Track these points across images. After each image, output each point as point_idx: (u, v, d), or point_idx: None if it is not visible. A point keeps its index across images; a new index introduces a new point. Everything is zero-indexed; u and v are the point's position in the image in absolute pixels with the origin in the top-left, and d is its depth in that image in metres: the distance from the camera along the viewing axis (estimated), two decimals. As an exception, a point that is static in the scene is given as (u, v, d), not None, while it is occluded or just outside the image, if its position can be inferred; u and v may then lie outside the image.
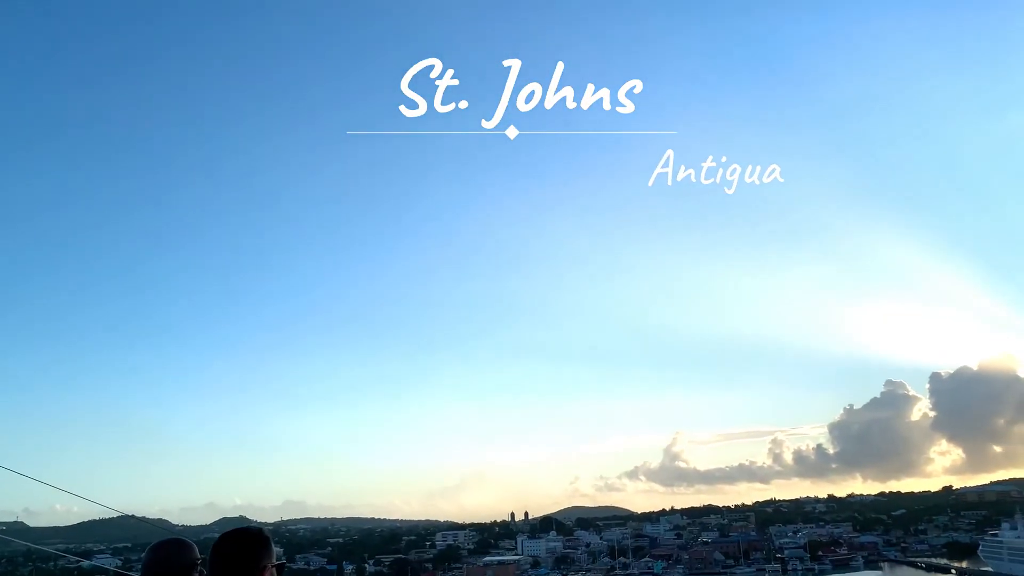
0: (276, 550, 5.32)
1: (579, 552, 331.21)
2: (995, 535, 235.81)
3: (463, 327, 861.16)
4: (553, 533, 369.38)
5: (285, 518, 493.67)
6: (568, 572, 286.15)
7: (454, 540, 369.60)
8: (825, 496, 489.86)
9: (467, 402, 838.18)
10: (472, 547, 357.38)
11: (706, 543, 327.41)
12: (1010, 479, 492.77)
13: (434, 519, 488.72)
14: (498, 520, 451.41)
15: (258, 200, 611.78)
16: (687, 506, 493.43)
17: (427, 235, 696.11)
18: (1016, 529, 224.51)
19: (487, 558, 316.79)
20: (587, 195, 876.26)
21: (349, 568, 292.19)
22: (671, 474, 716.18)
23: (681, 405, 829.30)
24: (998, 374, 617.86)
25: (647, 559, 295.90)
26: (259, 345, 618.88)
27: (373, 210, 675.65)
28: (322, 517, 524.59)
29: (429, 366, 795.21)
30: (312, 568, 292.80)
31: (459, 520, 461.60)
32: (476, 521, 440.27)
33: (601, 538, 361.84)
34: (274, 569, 4.83)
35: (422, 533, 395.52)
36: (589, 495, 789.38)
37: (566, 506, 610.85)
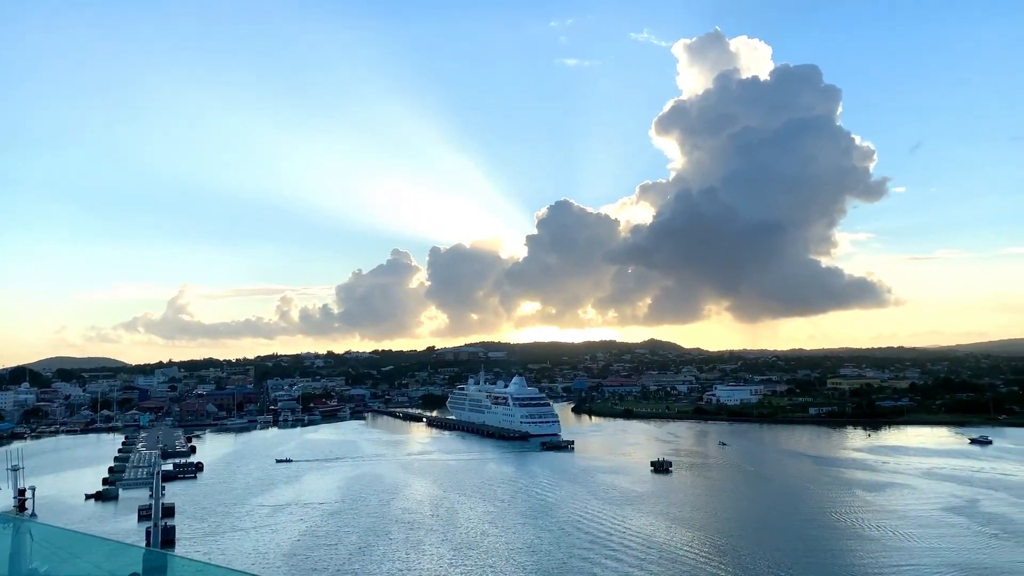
0: None
1: (56, 405, 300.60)
2: (462, 388, 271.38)
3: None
4: (26, 384, 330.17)
5: None
6: (39, 426, 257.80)
7: None
8: (325, 352, 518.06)
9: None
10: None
11: (200, 395, 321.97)
12: (480, 342, 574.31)
13: None
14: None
15: None
16: (187, 359, 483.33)
17: None
18: (478, 384, 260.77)
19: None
20: (118, 8, 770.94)
21: None
22: (174, 327, 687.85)
23: (192, 258, 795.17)
24: (485, 253, 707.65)
25: (134, 411, 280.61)
26: None
27: None
28: None
29: None
30: None
31: None
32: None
33: (85, 390, 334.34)
34: None
35: None
36: (78, 345, 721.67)
37: (48, 356, 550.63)
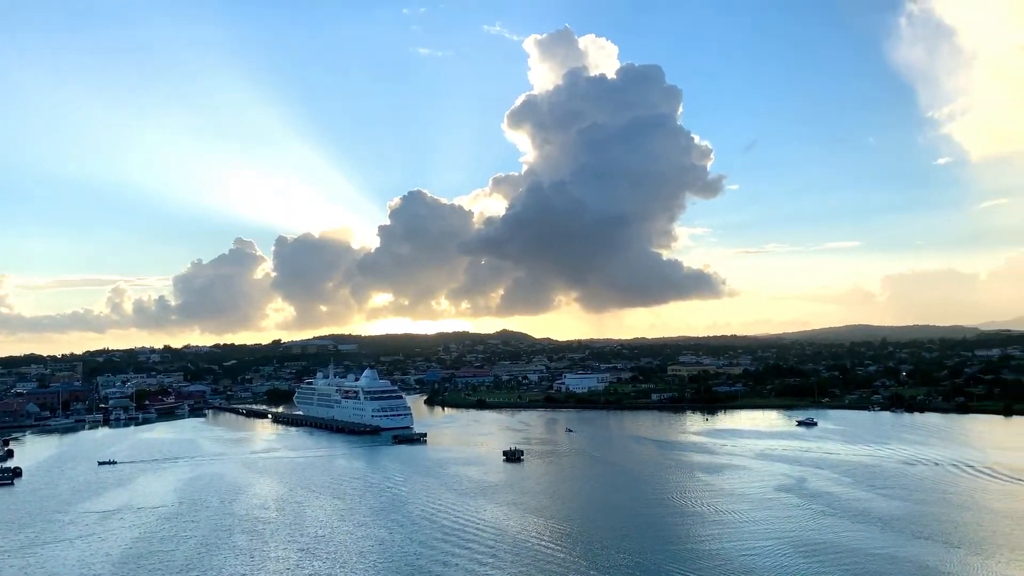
0: None
1: None
2: (310, 383, 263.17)
3: None
4: None
5: None
6: None
7: None
8: (161, 347, 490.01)
9: None
10: None
11: (20, 394, 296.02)
12: (330, 335, 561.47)
13: None
14: None
15: None
16: (5, 355, 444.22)
17: None
18: (328, 378, 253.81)
19: None
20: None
21: None
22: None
23: (11, 245, 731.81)
24: (334, 243, 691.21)
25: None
26: None
27: None
28: None
29: None
30: None
31: None
32: None
33: None
34: None
35: None
36: None
37: None
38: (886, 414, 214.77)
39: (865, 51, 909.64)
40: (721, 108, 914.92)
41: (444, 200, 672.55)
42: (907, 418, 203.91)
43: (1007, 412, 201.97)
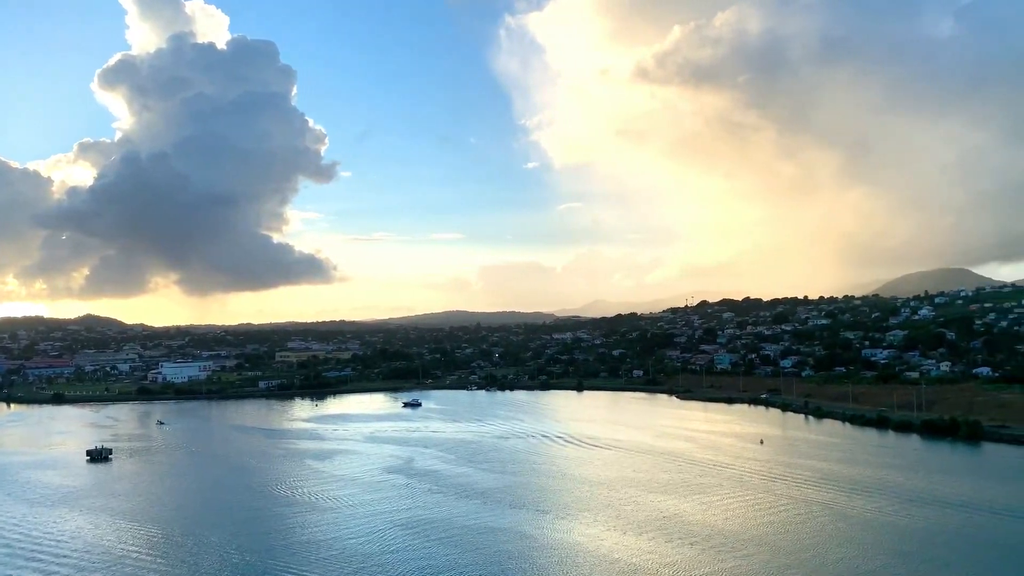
0: None
1: None
2: None
3: None
4: None
5: None
6: None
7: None
8: None
9: None
10: None
11: None
12: None
13: None
14: None
15: None
16: None
17: None
18: None
19: None
20: None
21: None
22: None
23: None
24: None
25: None
26: None
27: None
28: None
29: None
30: None
31: None
32: None
33: None
34: None
35: None
36: None
37: None
38: (482, 393, 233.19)
39: (470, 56, 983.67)
40: (336, 95, 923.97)
41: (15, 164, 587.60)
42: (500, 396, 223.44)
43: (579, 388, 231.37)
